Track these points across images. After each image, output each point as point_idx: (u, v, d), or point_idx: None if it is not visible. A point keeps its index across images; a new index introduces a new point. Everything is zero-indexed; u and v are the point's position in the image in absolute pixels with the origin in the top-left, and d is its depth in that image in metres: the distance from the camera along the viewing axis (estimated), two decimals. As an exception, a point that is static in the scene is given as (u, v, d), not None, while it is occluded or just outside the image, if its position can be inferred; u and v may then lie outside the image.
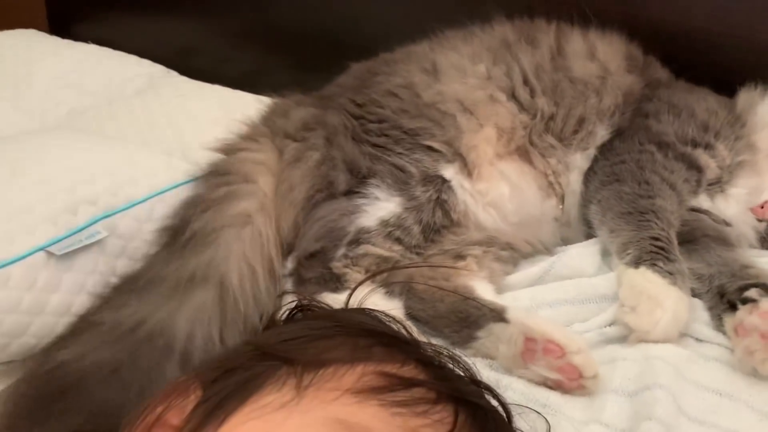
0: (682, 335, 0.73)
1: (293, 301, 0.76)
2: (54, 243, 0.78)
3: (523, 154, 0.90)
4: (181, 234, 0.81)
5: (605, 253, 0.85)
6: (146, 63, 1.36)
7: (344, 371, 0.50)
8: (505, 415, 0.55)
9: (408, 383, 0.49)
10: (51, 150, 0.89)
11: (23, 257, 0.75)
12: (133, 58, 1.36)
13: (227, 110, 1.03)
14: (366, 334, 0.57)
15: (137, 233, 0.85)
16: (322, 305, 0.74)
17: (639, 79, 0.98)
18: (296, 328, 0.62)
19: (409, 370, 0.52)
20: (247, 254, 0.81)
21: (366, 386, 0.48)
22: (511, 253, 0.88)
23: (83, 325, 0.75)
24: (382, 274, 0.80)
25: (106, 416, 0.67)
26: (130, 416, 0.56)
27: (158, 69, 1.35)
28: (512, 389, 0.65)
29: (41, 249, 0.76)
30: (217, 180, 0.87)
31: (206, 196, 0.85)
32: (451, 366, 0.57)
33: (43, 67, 1.28)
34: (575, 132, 0.91)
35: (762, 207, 0.90)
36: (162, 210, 0.86)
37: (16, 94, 1.23)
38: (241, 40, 1.57)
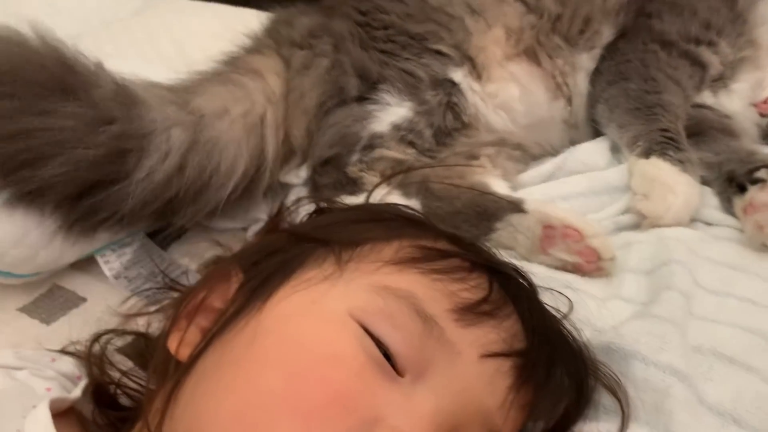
0: (693, 220, 0.76)
1: (310, 204, 0.78)
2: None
3: (531, 55, 0.90)
4: None
5: (614, 149, 0.87)
6: (138, -13, 1.33)
7: (381, 247, 0.51)
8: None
9: (444, 254, 0.51)
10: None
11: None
12: (122, -18, 1.33)
13: (228, 25, 1.01)
14: (395, 218, 0.59)
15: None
16: (342, 205, 0.76)
17: (643, -22, 0.98)
18: (327, 218, 0.64)
19: (442, 244, 0.53)
20: (226, 101, 0.80)
21: (404, 257, 0.50)
22: (522, 153, 0.90)
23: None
24: (397, 176, 0.81)
25: None
26: (172, 302, 0.58)
27: (150, -8, 1.32)
28: (533, 274, 0.67)
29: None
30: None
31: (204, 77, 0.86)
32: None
33: (30, -7, 1.24)
34: (581, 32, 0.92)
35: (765, 102, 0.92)
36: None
37: (5, 19, 1.20)
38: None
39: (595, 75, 0.93)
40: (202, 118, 0.77)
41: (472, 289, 0.49)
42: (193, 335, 0.50)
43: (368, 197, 0.72)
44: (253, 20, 1.02)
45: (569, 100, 0.93)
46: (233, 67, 0.87)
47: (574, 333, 0.55)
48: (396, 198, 0.78)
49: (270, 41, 0.93)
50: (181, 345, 0.50)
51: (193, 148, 0.74)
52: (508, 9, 0.89)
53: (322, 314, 0.46)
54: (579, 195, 0.81)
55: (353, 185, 0.82)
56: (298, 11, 0.97)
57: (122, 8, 1.25)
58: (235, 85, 0.83)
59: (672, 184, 0.75)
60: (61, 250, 0.76)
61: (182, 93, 0.78)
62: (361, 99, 0.86)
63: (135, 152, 0.70)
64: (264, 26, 0.98)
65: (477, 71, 0.87)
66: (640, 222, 0.76)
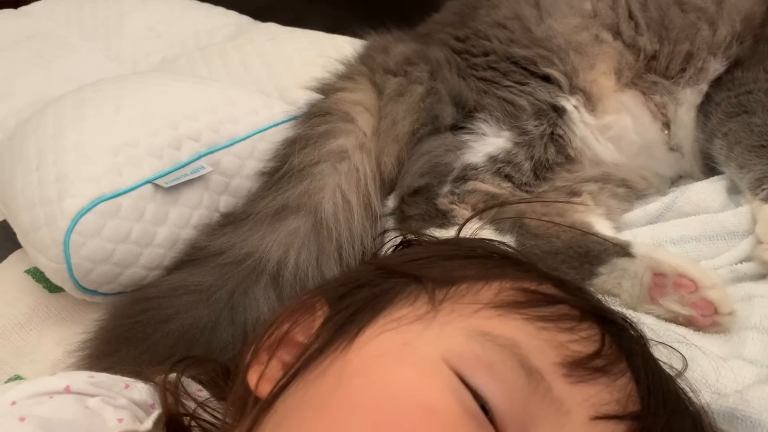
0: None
1: (397, 236, 0.74)
2: (160, 176, 0.77)
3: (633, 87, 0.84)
4: (278, 172, 0.80)
5: (731, 189, 0.79)
6: (232, 14, 1.35)
7: (480, 287, 0.47)
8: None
9: (550, 299, 0.46)
10: (150, 88, 0.88)
11: (132, 189, 0.75)
12: (219, 9, 1.36)
13: (321, 52, 1.01)
14: (491, 256, 0.54)
15: (239, 170, 0.83)
16: (431, 238, 0.72)
17: (760, 0, 0.90)
18: (418, 251, 0.60)
19: (548, 288, 0.48)
20: (342, 186, 0.79)
21: (506, 300, 0.46)
22: (626, 190, 0.83)
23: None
24: (490, 210, 0.76)
25: (194, 338, 0.67)
26: (255, 334, 0.56)
27: (245, 19, 1.34)
28: (643, 325, 0.61)
29: (148, 182, 0.76)
30: (316, 119, 0.85)
31: (304, 134, 0.84)
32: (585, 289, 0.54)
33: (132, 18, 1.29)
34: (682, 70, 0.84)
35: None
36: (263, 148, 0.85)
37: (108, 44, 1.24)
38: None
39: (710, 106, 0.85)
40: (322, 207, 0.76)
41: (582, 340, 0.44)
42: (274, 370, 0.47)
43: (459, 231, 0.68)
44: (347, 47, 1.01)
45: (666, 125, 0.85)
46: (327, 116, 0.85)
47: (691, 395, 0.49)
48: (488, 233, 0.73)
49: (363, 68, 0.92)
50: (261, 380, 0.47)
51: (323, 250, 0.74)
52: (607, 49, 0.83)
53: (414, 359, 0.42)
54: (691, 239, 0.73)
55: (443, 218, 0.78)
56: (393, 38, 0.95)
57: (218, 33, 1.27)
58: (335, 151, 0.81)
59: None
60: (145, 270, 0.76)
61: (296, 183, 0.78)
62: (456, 128, 0.82)
63: None
64: (358, 53, 0.96)
65: (592, 103, 0.81)
66: (765, 274, 0.68)
